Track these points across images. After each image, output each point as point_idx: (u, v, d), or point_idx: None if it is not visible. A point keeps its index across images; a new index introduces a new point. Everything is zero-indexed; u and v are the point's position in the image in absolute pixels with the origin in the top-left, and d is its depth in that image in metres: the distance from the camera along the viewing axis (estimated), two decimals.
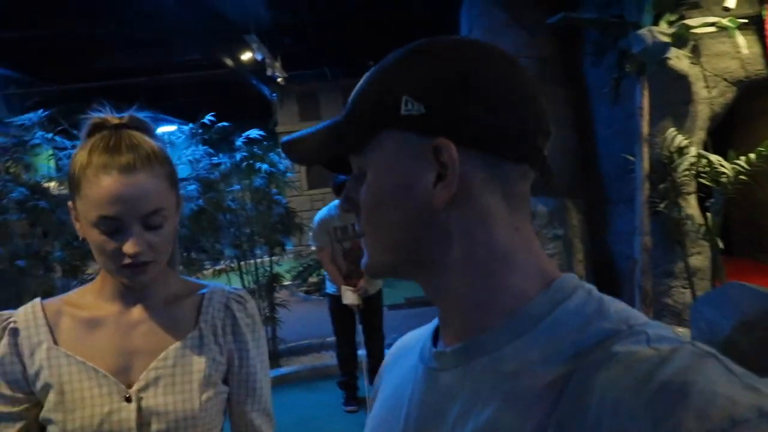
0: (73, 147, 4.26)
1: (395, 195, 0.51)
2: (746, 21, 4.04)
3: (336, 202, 3.95)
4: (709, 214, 4.26)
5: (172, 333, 0.96)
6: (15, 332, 0.94)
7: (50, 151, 4.29)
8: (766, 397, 0.37)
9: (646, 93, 4.00)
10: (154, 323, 0.96)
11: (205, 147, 5.13)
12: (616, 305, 0.48)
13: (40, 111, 4.16)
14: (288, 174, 5.63)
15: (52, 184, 4.30)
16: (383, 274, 0.56)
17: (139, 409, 0.91)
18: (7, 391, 0.93)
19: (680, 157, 4.21)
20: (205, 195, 4.97)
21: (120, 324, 0.96)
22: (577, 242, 4.68)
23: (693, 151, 4.20)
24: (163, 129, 13.68)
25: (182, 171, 5.94)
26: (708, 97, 4.40)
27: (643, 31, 3.75)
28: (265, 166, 5.11)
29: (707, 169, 4.22)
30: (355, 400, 4.25)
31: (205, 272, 5.36)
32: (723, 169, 4.12)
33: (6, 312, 0.97)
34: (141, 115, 0.97)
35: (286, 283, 6.39)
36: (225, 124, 5.16)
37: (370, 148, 0.52)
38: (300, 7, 7.19)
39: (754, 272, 6.30)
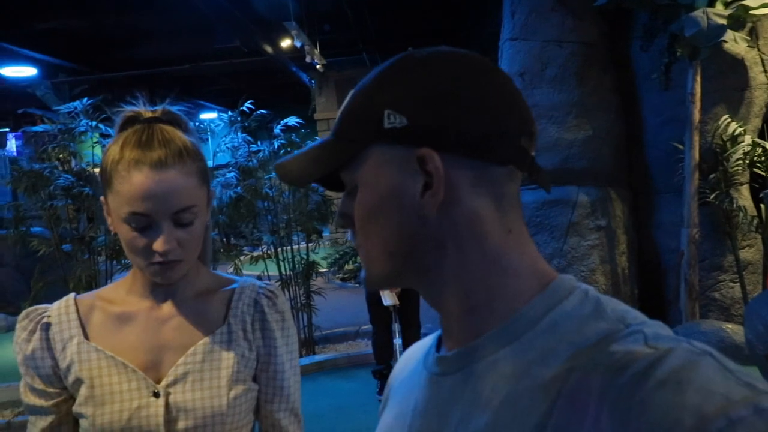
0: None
1: (385, 207, 0.52)
2: None
3: None
4: (762, 206, 4.07)
5: (201, 328, 0.95)
6: (47, 327, 0.94)
7: (95, 139, 4.38)
8: (762, 394, 0.37)
9: (698, 78, 3.83)
10: (184, 318, 0.96)
11: (244, 134, 5.17)
12: (613, 305, 0.48)
13: (85, 99, 4.26)
14: None
15: (97, 171, 4.41)
16: (382, 285, 0.57)
17: (167, 404, 0.90)
18: (39, 385, 0.94)
19: (733, 145, 4.03)
20: (244, 182, 5.02)
21: (150, 319, 0.95)
22: (621, 233, 4.53)
23: (747, 139, 4.01)
24: (203, 116, 13.92)
25: (222, 158, 6.02)
26: (765, 83, 4.18)
27: (698, 13, 3.57)
28: None
29: (762, 158, 4.03)
30: None
31: (243, 258, 5.43)
32: None
33: (42, 306, 0.98)
34: (174, 108, 0.96)
35: (322, 270, 6.43)
36: (264, 111, 5.18)
37: (358, 163, 0.54)
38: None
39: None
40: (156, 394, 0.90)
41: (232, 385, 0.93)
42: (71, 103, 4.28)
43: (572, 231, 4.41)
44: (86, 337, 0.94)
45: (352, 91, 0.56)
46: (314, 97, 11.90)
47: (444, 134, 0.50)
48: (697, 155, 3.89)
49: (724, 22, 3.55)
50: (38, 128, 4.79)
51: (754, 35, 4.14)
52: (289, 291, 5.01)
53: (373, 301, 4.13)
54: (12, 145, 11.69)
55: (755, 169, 4.14)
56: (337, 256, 8.62)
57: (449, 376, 0.53)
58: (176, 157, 0.87)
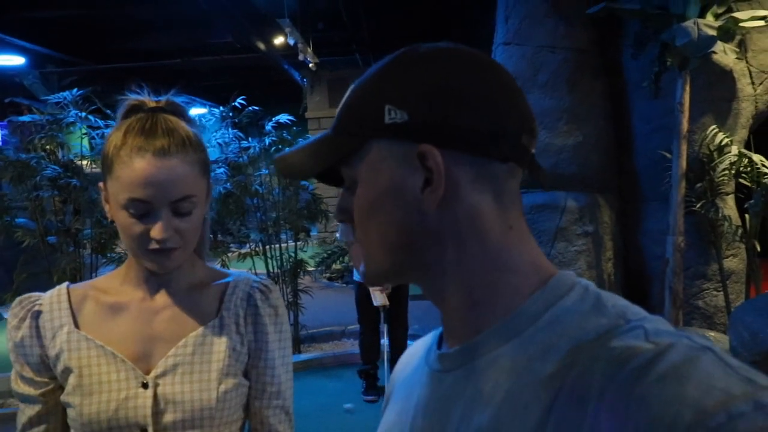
0: (107, 126, 4.30)
1: (385, 202, 0.52)
2: None
3: None
4: (747, 216, 4.12)
5: (193, 320, 0.95)
6: (37, 315, 0.94)
7: (83, 130, 4.33)
8: (762, 389, 0.37)
9: (687, 88, 3.87)
10: (177, 310, 0.95)
11: (234, 130, 5.15)
12: (613, 300, 0.48)
13: (75, 90, 4.21)
14: None
15: (85, 163, 4.36)
16: (381, 281, 0.57)
17: (155, 396, 0.89)
18: (28, 374, 0.93)
19: (720, 155, 4.08)
20: (234, 178, 5.00)
21: (142, 310, 0.95)
22: (608, 240, 4.57)
23: (734, 149, 4.06)
24: (194, 111, 13.83)
25: (212, 154, 5.97)
26: (753, 94, 4.23)
27: (689, 24, 3.61)
28: None
29: (748, 169, 4.08)
30: (375, 390, 4.25)
31: (230, 255, 5.40)
32: (765, 170, 3.97)
33: (36, 294, 0.98)
34: (178, 99, 0.96)
35: (309, 269, 6.41)
36: (255, 108, 5.16)
37: (359, 158, 0.53)
38: None
39: None
40: (144, 385, 0.89)
41: (222, 379, 0.92)
42: (60, 93, 4.23)
43: (560, 236, 4.44)
44: (77, 326, 0.93)
45: (352, 85, 0.56)
46: (306, 96, 11.87)
47: (445, 130, 0.49)
48: (684, 164, 3.94)
49: (714, 33, 3.59)
50: (25, 118, 4.72)
51: (743, 47, 4.20)
52: None
53: (363, 300, 4.13)
54: None
55: (741, 180, 4.19)
56: (325, 255, 8.60)
57: (451, 373, 0.53)
58: (179, 146, 0.87)
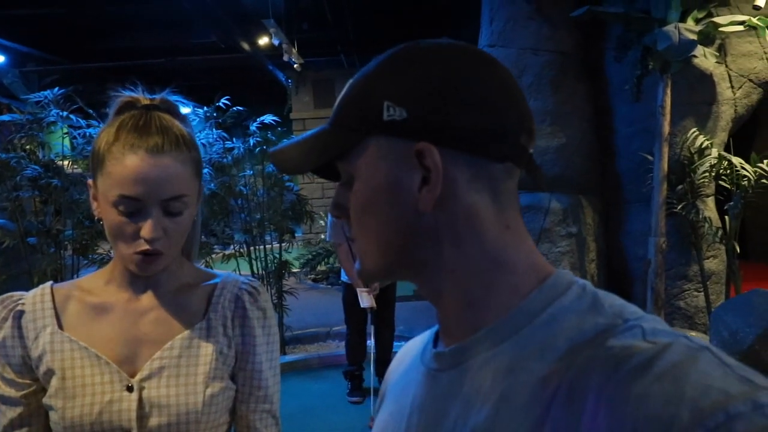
0: (89, 126, 4.24)
1: (382, 200, 0.52)
2: None
3: None
4: (727, 218, 4.19)
5: (180, 323, 0.93)
6: (20, 315, 0.91)
7: (65, 130, 4.27)
8: (760, 389, 0.37)
9: (668, 91, 3.92)
10: (163, 312, 0.93)
11: (218, 131, 5.11)
12: (611, 300, 0.48)
13: (56, 89, 4.15)
14: None
15: (66, 163, 4.30)
16: (377, 278, 0.57)
17: (140, 399, 0.87)
18: (10, 375, 0.91)
19: (701, 158, 4.14)
20: (217, 179, 4.96)
21: (128, 311, 0.92)
22: (591, 241, 4.62)
23: (714, 152, 4.12)
24: None
25: None
26: (732, 98, 4.31)
27: (670, 28, 3.67)
28: None
29: (728, 171, 4.15)
30: (360, 391, 4.24)
31: (214, 256, 5.36)
32: (744, 172, 4.04)
33: (18, 293, 0.95)
34: (173, 98, 0.95)
35: (294, 270, 6.39)
36: (239, 108, 5.13)
37: (356, 154, 0.53)
38: None
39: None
40: (129, 389, 0.87)
41: (208, 382, 0.90)
42: (41, 92, 4.16)
43: (544, 237, 4.48)
44: (60, 327, 0.91)
45: (351, 80, 0.55)
46: (290, 97, 11.83)
47: (443, 129, 0.49)
48: (665, 166, 3.99)
49: (694, 37, 3.65)
50: (5, 117, 4.65)
51: (722, 52, 4.27)
52: None
53: (350, 301, 4.12)
54: None
55: (721, 182, 4.26)
56: (310, 256, 8.58)
57: (447, 372, 0.52)
58: (173, 144, 0.86)
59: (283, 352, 5.18)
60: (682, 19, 3.81)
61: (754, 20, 3.76)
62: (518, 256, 0.51)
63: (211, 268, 4.97)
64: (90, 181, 0.90)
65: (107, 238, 0.91)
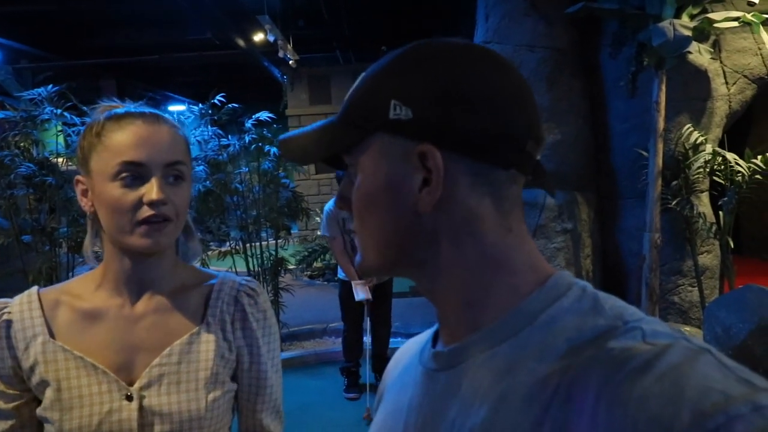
0: (83, 124, 4.22)
1: (382, 197, 0.52)
2: None
3: None
4: (721, 213, 4.21)
5: (177, 327, 0.90)
6: (8, 324, 0.88)
7: (59, 127, 4.25)
8: (760, 391, 0.37)
9: (663, 87, 3.93)
10: (159, 316, 0.90)
11: (214, 128, 5.10)
12: (611, 302, 0.48)
13: (50, 86, 4.13)
14: None
15: (60, 160, 4.28)
16: (376, 273, 0.57)
17: (141, 408, 0.85)
18: (0, 386, 0.88)
19: (695, 153, 4.16)
20: (213, 176, 4.95)
21: (122, 317, 0.89)
22: (586, 237, 4.63)
23: (708, 148, 4.14)
24: (172, 108, 13.68)
25: (191, 151, 5.90)
26: (726, 94, 4.32)
27: (664, 24, 3.67)
28: (273, 149, 5.07)
29: (722, 167, 4.17)
30: (356, 388, 4.25)
31: (210, 253, 5.35)
32: (738, 168, 4.06)
33: (3, 300, 0.91)
34: (147, 110, 0.93)
35: (290, 267, 6.39)
36: (235, 105, 5.12)
37: (361, 149, 0.53)
38: None
39: (762, 273, 6.25)
40: (129, 398, 0.85)
41: (210, 388, 0.88)
42: (34, 89, 4.14)
43: (539, 233, 4.49)
44: (51, 335, 0.87)
45: (362, 75, 0.55)
46: (286, 93, 11.81)
47: (448, 132, 0.49)
48: (660, 162, 4.00)
49: (689, 33, 3.65)
50: None
51: (717, 48, 4.28)
52: None
53: (346, 298, 4.12)
54: None
55: (715, 178, 4.28)
56: (306, 253, 8.59)
57: (445, 372, 0.52)
58: (167, 120, 0.88)
59: (280, 349, 5.17)
60: (677, 16, 3.82)
61: (749, 16, 3.77)
62: (519, 257, 0.51)
63: (207, 265, 4.97)
64: (78, 177, 0.88)
65: (99, 234, 0.89)
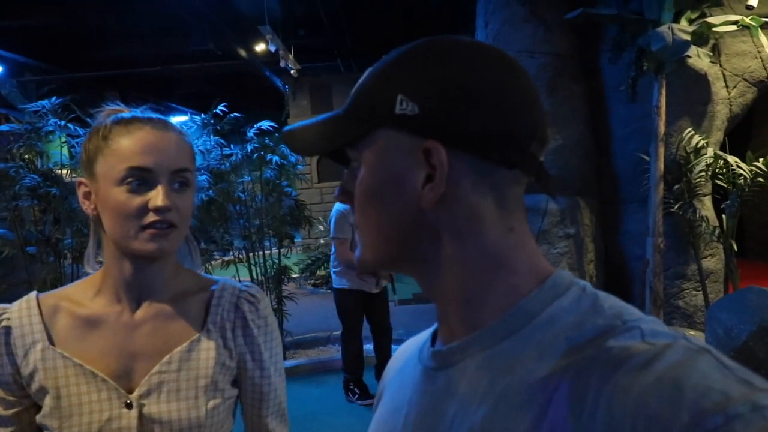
0: (86, 135, 4.24)
1: (385, 192, 0.52)
2: None
3: None
4: (724, 216, 4.20)
5: (177, 334, 0.89)
6: (7, 331, 0.87)
7: (63, 138, 4.28)
8: (759, 391, 0.37)
9: (663, 92, 3.94)
10: (159, 323, 0.89)
11: (216, 138, 5.12)
12: (610, 301, 0.48)
13: (54, 98, 4.16)
14: (298, 166, 5.61)
15: (65, 172, 4.31)
16: (375, 268, 0.57)
17: (141, 416, 0.84)
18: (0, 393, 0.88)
19: (696, 157, 4.16)
20: (216, 185, 4.97)
21: (121, 324, 0.89)
22: (589, 242, 4.63)
23: (710, 151, 4.14)
24: (175, 119, 13.71)
25: None
26: (727, 97, 4.33)
27: (663, 29, 3.69)
28: (275, 158, 5.10)
29: (724, 170, 4.16)
30: (369, 395, 4.21)
31: (213, 263, 5.36)
32: (740, 171, 4.06)
33: (1, 306, 0.90)
34: (153, 115, 0.94)
35: (294, 275, 6.39)
36: (237, 114, 5.15)
37: (365, 143, 0.53)
38: None
39: (767, 275, 6.22)
40: (128, 405, 0.84)
41: (210, 395, 0.87)
42: (39, 102, 4.18)
43: (542, 239, 4.49)
44: (51, 342, 0.86)
45: (369, 69, 0.55)
46: (288, 102, 11.86)
47: (453, 129, 0.49)
48: (662, 166, 4.00)
49: (688, 38, 3.67)
50: (3, 127, 4.66)
51: (716, 51, 4.29)
52: None
53: (343, 308, 4.11)
54: None
55: (717, 181, 4.27)
56: (309, 261, 8.59)
57: (444, 371, 0.52)
58: (174, 127, 0.88)
59: (284, 357, 5.16)
60: (676, 20, 3.84)
61: (747, 20, 3.78)
62: (520, 257, 0.51)
63: (211, 274, 4.98)
64: (81, 179, 0.87)
65: (102, 240, 0.89)
